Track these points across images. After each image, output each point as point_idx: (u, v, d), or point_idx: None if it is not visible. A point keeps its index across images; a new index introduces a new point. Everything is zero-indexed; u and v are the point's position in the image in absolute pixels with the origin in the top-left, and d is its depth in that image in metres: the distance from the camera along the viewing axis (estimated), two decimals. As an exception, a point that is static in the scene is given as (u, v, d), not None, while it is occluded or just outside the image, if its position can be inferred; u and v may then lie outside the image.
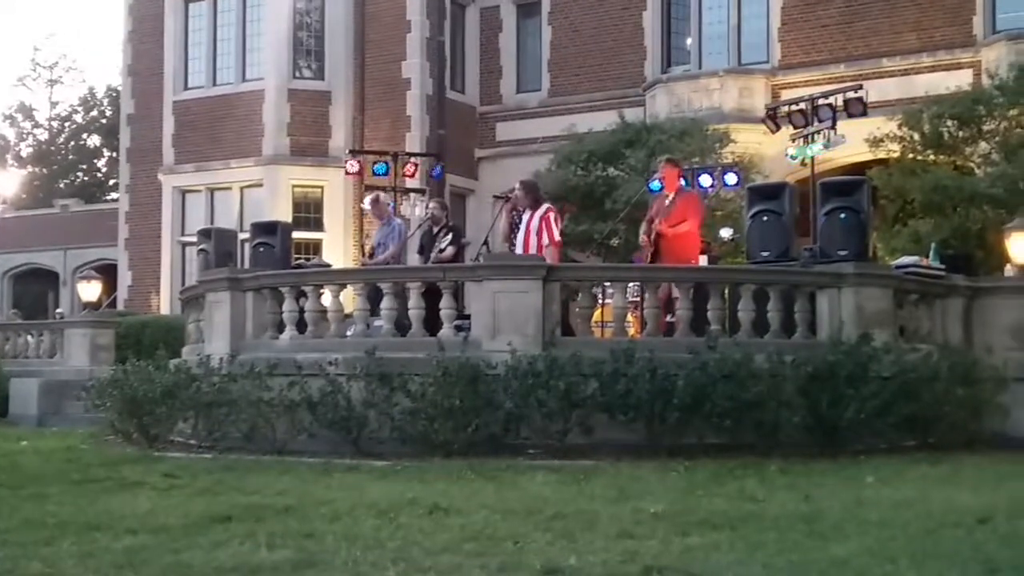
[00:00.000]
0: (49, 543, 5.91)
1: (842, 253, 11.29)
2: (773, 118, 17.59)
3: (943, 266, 13.11)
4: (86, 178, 48.30)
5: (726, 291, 11.16)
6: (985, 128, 16.86)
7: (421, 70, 23.73)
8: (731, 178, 15.86)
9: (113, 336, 19.48)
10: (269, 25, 23.91)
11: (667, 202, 12.56)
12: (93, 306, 21.51)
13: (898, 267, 12.67)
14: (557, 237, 12.43)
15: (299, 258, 17.67)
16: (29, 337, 21.12)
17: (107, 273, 29.50)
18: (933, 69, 19.73)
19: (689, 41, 23.31)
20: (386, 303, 11.36)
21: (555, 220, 12.43)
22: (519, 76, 25.32)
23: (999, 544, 5.64)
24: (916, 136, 17.08)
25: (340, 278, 13.17)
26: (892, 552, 5.36)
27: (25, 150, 49.86)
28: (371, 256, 14.32)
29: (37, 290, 35.74)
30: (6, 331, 22.00)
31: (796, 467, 8.67)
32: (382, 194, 16.05)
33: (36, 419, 17.08)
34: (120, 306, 25.91)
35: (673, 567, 5.08)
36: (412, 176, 20.27)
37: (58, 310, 31.57)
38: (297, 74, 24.12)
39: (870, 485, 7.86)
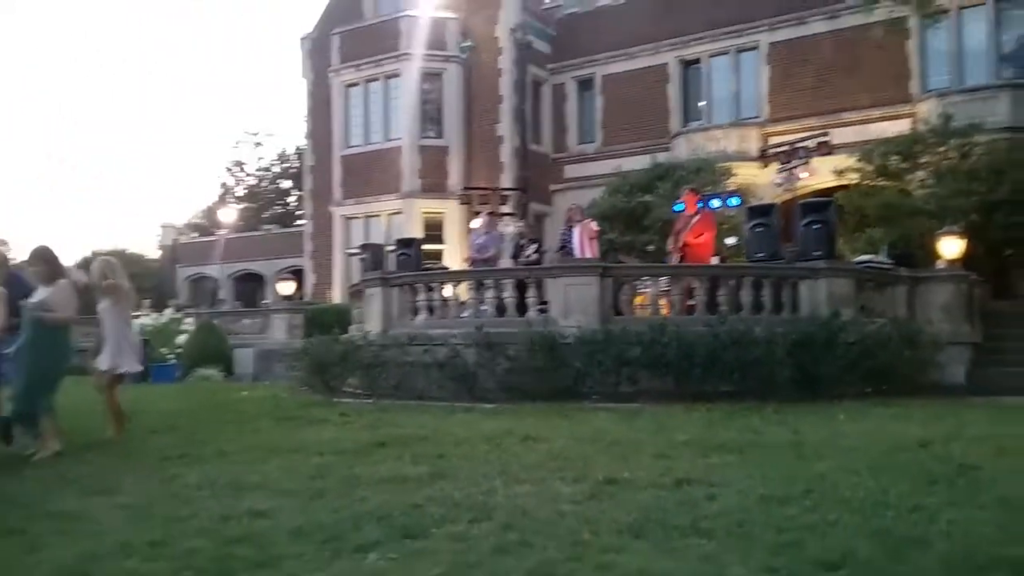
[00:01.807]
0: (263, 461, 6.05)
1: (817, 254, 11.07)
2: (764, 157, 17.39)
3: (892, 261, 12.90)
4: (281, 210, 49.10)
5: (732, 282, 11.00)
6: (920, 161, 16.57)
7: (511, 130, 23.73)
8: (734, 200, 15.63)
9: (302, 318, 19.82)
10: (404, 101, 24.08)
11: (691, 220, 12.50)
12: (288, 298, 21.89)
13: (858, 263, 12.50)
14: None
15: (427, 263, 17.79)
16: (246, 320, 21.63)
17: (297, 275, 30.08)
18: (881, 119, 19.31)
19: (702, 103, 23.08)
20: (489, 293, 11.41)
21: (597, 232, 12.79)
22: (580, 132, 25.22)
23: (936, 462, 5.51)
24: (870, 167, 16.81)
25: (456, 277, 13.26)
26: (858, 468, 5.26)
27: (240, 191, 50.94)
28: (476, 254, 14.25)
29: (251, 287, 36.48)
30: (232, 316, 22.53)
31: (786, 409, 8.52)
32: (487, 217, 16.04)
33: (252, 376, 17.51)
34: (306, 298, 26.35)
35: (698, 479, 5.04)
36: (506, 204, 20.28)
37: (265, 301, 32.21)
38: (424, 135, 24.25)
39: (841, 421, 7.70)
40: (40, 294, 6.98)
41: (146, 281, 34.68)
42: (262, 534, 3.94)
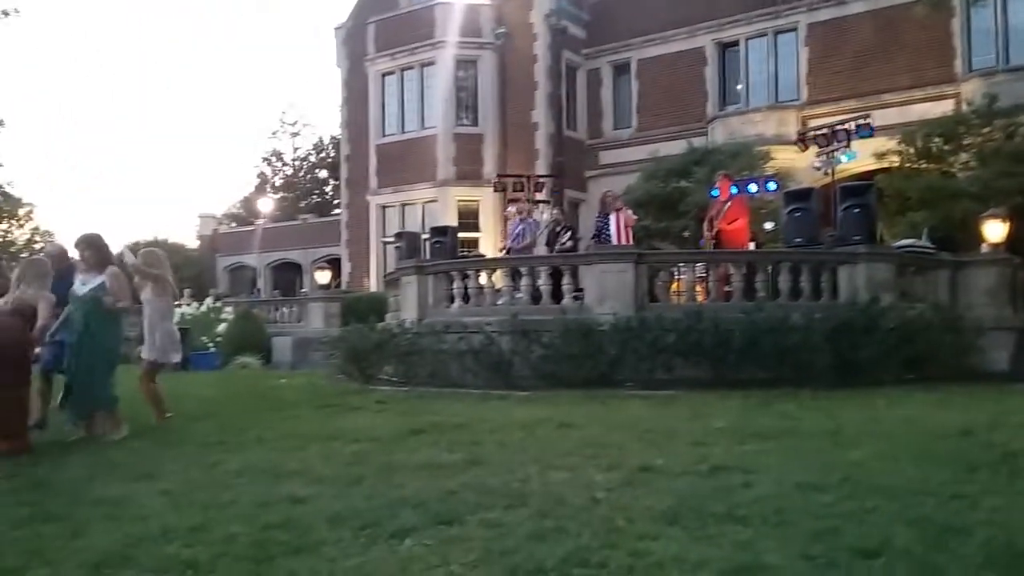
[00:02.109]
0: (301, 448, 6.12)
1: (856, 238, 10.92)
2: (803, 140, 17.13)
3: (933, 246, 12.69)
4: (318, 199, 49.48)
5: (769, 268, 10.89)
6: (964, 142, 16.28)
7: (545, 116, 23.68)
8: (772, 185, 15.43)
9: (339, 307, 19.98)
10: (439, 89, 24.13)
11: (724, 205, 12.41)
12: (325, 287, 22.07)
13: (899, 247, 12.31)
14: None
15: (463, 251, 17.83)
16: (284, 309, 21.85)
17: (334, 264, 30.31)
18: (923, 100, 19.00)
19: (739, 87, 22.84)
20: (524, 281, 11.41)
21: (634, 220, 12.72)
22: (615, 117, 25.09)
23: (978, 450, 5.41)
24: (911, 150, 16.58)
25: (491, 264, 13.25)
26: (897, 455, 5.19)
27: (277, 181, 51.39)
28: (512, 242, 14.28)
29: (288, 276, 36.84)
30: (270, 305, 22.80)
31: (824, 395, 8.41)
32: (522, 204, 16.00)
33: (290, 364, 17.70)
34: (343, 287, 26.57)
35: (733, 466, 5.00)
36: (540, 191, 20.25)
37: (302, 290, 32.53)
38: (459, 122, 24.28)
39: (880, 408, 7.59)
40: (90, 280, 7.09)
41: (186, 271, 35.20)
42: (300, 520, 4.00)
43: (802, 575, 3.08)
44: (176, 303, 10.54)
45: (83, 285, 7.09)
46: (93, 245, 7.23)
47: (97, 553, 3.53)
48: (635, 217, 12.88)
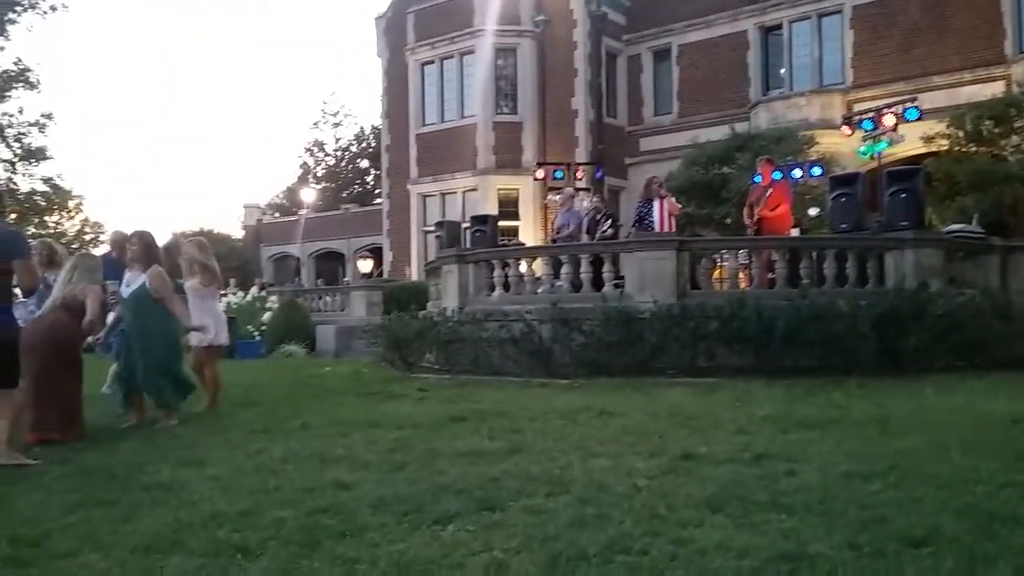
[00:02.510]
0: (345, 435, 6.19)
1: (904, 224, 10.71)
2: (848, 124, 16.86)
3: (983, 231, 12.39)
4: (360, 189, 49.84)
5: (814, 254, 10.74)
6: (1015, 125, 15.87)
7: (585, 103, 23.57)
8: (816, 170, 15.22)
9: (381, 295, 20.11)
10: (478, 78, 24.13)
11: (765, 191, 12.27)
12: (367, 276, 22.26)
13: (948, 232, 12.05)
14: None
15: (503, 240, 17.85)
16: (328, 297, 22.07)
17: (376, 253, 30.54)
18: (972, 83, 18.56)
19: (783, 71, 22.50)
20: (564, 269, 11.38)
21: (678, 210, 12.62)
22: (656, 103, 24.90)
23: (1030, 439, 5.28)
24: (961, 133, 16.21)
25: (531, 253, 13.25)
26: (946, 445, 5.09)
27: (319, 172, 51.85)
28: (557, 232, 14.29)
29: (331, 266, 37.22)
30: (314, 294, 23.05)
31: (871, 383, 8.28)
32: (570, 189, 15.95)
33: (333, 352, 17.87)
34: (385, 275, 26.76)
35: (777, 455, 4.96)
36: (580, 179, 20.17)
37: (345, 279, 32.84)
38: (498, 111, 24.26)
39: (928, 396, 7.46)
40: (134, 281, 7.24)
41: (231, 261, 35.72)
42: (345, 505, 4.05)
43: (848, 564, 3.04)
44: (222, 292, 10.73)
45: (127, 287, 7.26)
46: (143, 241, 7.40)
47: (148, 537, 3.60)
48: (679, 205, 12.72)
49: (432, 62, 25.28)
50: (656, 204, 12.47)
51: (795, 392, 7.87)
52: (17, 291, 6.45)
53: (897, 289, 10.01)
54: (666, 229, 12.09)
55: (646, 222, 12.57)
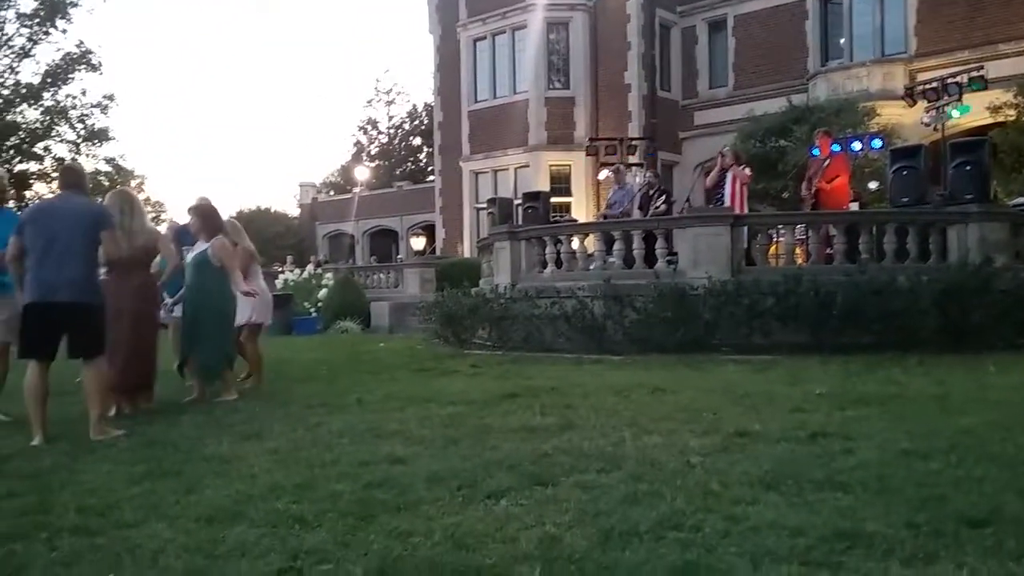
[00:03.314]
0: (400, 410, 6.27)
1: (968, 197, 10.41)
2: (911, 95, 16.40)
3: (1052, 204, 11.97)
4: (413, 167, 50.11)
5: (873, 229, 10.50)
6: (1087, 94, 15.30)
7: (638, 77, 23.30)
8: (876, 143, 14.84)
9: (434, 273, 20.29)
10: (530, 53, 24.01)
11: (823, 164, 12.00)
12: (420, 253, 22.43)
13: (1015, 205, 11.67)
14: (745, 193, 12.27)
15: (555, 216, 17.81)
16: (381, 275, 22.34)
17: (428, 230, 30.73)
18: (1042, 50, 17.93)
19: (842, 40, 21.92)
20: (617, 245, 11.32)
21: (749, 178, 12.27)
22: (711, 76, 24.51)
23: (1099, 418, 5.11)
24: (1029, 103, 15.68)
25: (584, 229, 13.20)
26: (1008, 423, 4.97)
27: (373, 150, 52.23)
28: (608, 208, 14.21)
29: (385, 243, 37.56)
30: (368, 271, 23.31)
31: (931, 360, 8.08)
32: (623, 166, 15.83)
33: (387, 328, 18.08)
34: (438, 252, 26.92)
35: (834, 433, 4.89)
36: (633, 154, 19.99)
37: (399, 256, 33.14)
38: (550, 86, 24.14)
39: (991, 374, 7.26)
40: (198, 247, 7.40)
41: (288, 239, 36.28)
42: (400, 479, 4.11)
43: (905, 543, 2.99)
44: (279, 269, 10.87)
45: (191, 252, 7.42)
46: (200, 214, 7.55)
47: (210, 508, 3.71)
48: (749, 173, 12.35)
49: (484, 38, 25.21)
50: (729, 176, 12.20)
51: (853, 369, 7.73)
52: None
53: (960, 264, 9.75)
54: (736, 201, 11.82)
55: (717, 195, 12.34)
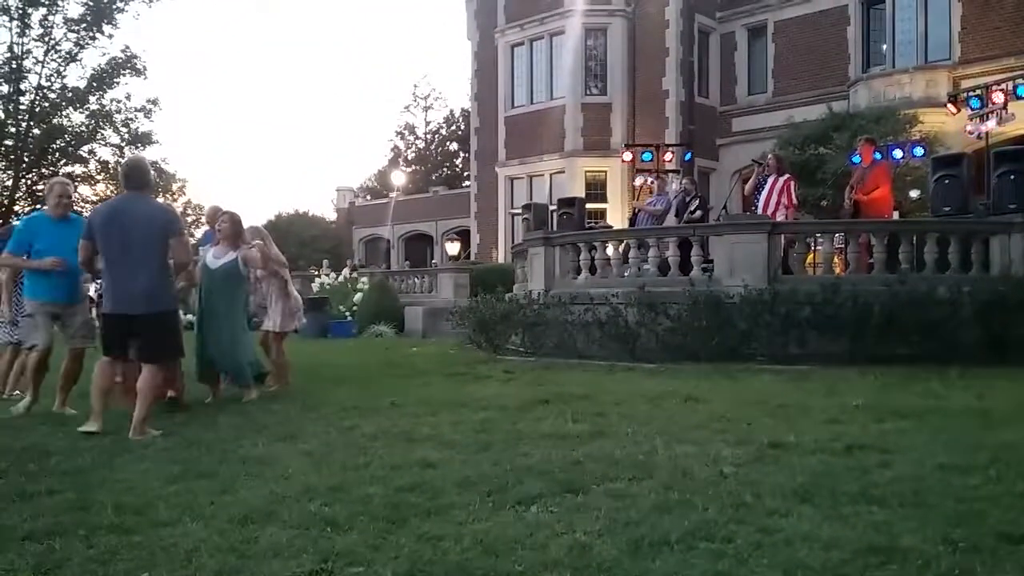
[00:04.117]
0: (433, 414, 6.30)
1: (1012, 207, 10.21)
2: (954, 102, 16.13)
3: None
4: (449, 172, 50.31)
5: (914, 238, 10.34)
6: None
7: (676, 83, 23.20)
8: (918, 151, 14.63)
9: (468, 278, 20.29)
10: (567, 59, 24.01)
11: (865, 172, 11.80)
12: (455, 258, 22.48)
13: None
14: (794, 200, 11.88)
15: (590, 222, 17.77)
16: (416, 279, 22.39)
17: (463, 236, 30.81)
18: (1093, 56, 17.53)
19: (885, 47, 21.62)
20: (651, 252, 11.27)
21: (794, 188, 11.89)
22: (750, 82, 24.32)
23: None
24: (1078, 111, 15.29)
25: (618, 236, 13.16)
26: (1051, 439, 4.86)
27: (410, 155, 52.53)
28: (636, 212, 14.12)
29: (420, 248, 37.72)
30: (402, 276, 23.41)
31: (971, 373, 7.93)
32: (662, 174, 15.73)
33: (421, 333, 18.13)
34: (472, 258, 26.98)
35: (870, 445, 4.82)
36: (669, 161, 19.88)
37: (433, 261, 33.25)
38: (587, 92, 24.11)
39: (1033, 387, 7.11)
40: (223, 255, 7.50)
41: (324, 242, 36.59)
42: (431, 483, 4.13)
43: (941, 559, 2.94)
44: (314, 272, 11.00)
45: (216, 259, 7.52)
46: (233, 220, 7.68)
47: (244, 508, 3.75)
48: (787, 177, 11.90)
49: (521, 44, 25.26)
50: (770, 181, 11.97)
51: (890, 381, 7.62)
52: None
53: (1003, 275, 9.57)
54: (771, 207, 11.61)
55: (756, 203, 12.15)
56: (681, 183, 15.09)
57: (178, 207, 41.62)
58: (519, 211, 21.94)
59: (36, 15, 26.49)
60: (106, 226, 5.76)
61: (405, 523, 3.50)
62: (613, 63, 23.90)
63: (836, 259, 11.18)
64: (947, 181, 11.16)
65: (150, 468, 4.67)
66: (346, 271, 22.82)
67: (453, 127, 51.16)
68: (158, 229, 5.80)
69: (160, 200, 7.17)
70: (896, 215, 12.63)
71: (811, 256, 11.39)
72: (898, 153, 14.22)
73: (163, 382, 6.87)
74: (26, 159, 26.21)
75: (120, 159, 35.08)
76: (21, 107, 26.78)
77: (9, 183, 25.53)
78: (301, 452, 5.00)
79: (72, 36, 33.10)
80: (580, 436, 5.28)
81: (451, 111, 51.90)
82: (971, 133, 15.39)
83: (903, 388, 7.21)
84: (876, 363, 8.62)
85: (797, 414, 5.96)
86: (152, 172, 6.55)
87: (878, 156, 12.53)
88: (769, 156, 12.59)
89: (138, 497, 4.02)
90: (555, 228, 14.43)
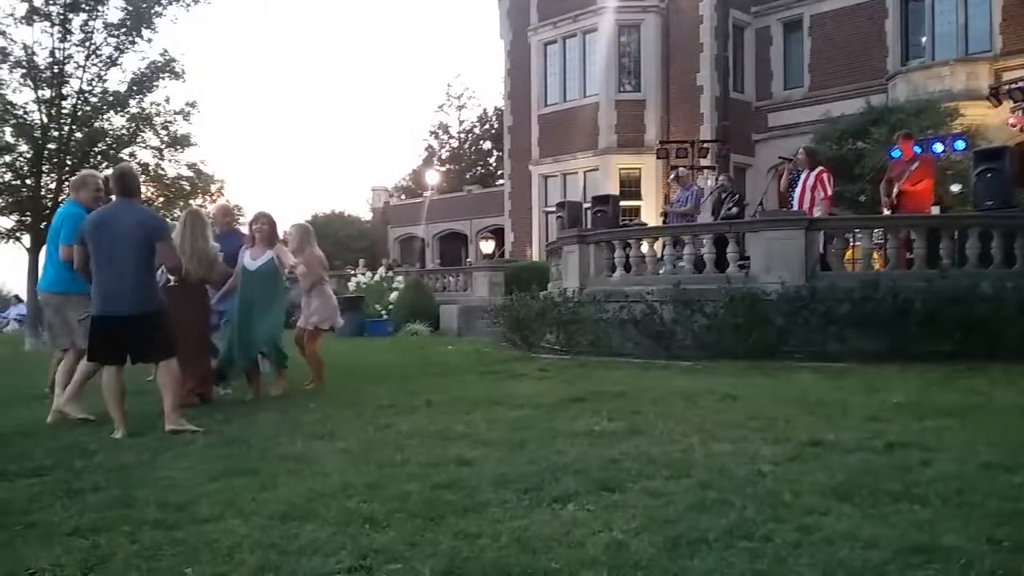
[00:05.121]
0: (468, 412, 6.32)
1: (989, 203, 10.01)
2: (996, 95, 15.81)
3: None
4: (483, 170, 50.35)
5: (955, 233, 10.16)
6: None
7: (711, 79, 23.01)
8: (959, 144, 14.34)
9: (503, 276, 20.32)
10: (601, 56, 23.94)
11: (908, 166, 11.56)
12: (489, 256, 22.51)
13: (1106, 209, 11.11)
14: (830, 192, 11.57)
15: (624, 220, 17.69)
16: (451, 278, 22.50)
17: (497, 234, 30.85)
18: None
19: (924, 39, 21.26)
20: (687, 249, 11.19)
21: (828, 180, 11.57)
22: (785, 77, 24.05)
23: None
24: (1125, 101, 14.90)
25: (654, 233, 13.06)
26: (1099, 437, 4.75)
27: (444, 154, 52.67)
28: (669, 206, 14.01)
29: (455, 246, 37.81)
30: (437, 274, 23.51)
31: (1016, 370, 7.76)
32: (682, 170, 15.63)
33: (456, 331, 18.17)
34: (506, 256, 27.00)
35: (912, 443, 4.75)
36: (705, 157, 19.73)
37: (468, 259, 33.33)
38: (621, 89, 24.02)
39: (1080, 384, 6.95)
40: (260, 256, 7.66)
41: (360, 242, 36.84)
42: (467, 481, 4.15)
43: (985, 559, 2.89)
44: (351, 272, 11.14)
45: (253, 260, 7.66)
46: (271, 222, 7.84)
47: (284, 505, 3.80)
48: (819, 170, 11.63)
49: (554, 41, 25.23)
50: (802, 177, 11.80)
51: (932, 378, 7.50)
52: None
53: (1049, 271, 9.37)
54: (806, 203, 11.43)
55: (790, 199, 11.99)
56: (718, 180, 14.95)
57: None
58: (553, 209, 21.90)
59: (77, 20, 26.96)
60: (95, 232, 5.97)
61: (442, 520, 3.52)
62: (647, 59, 23.79)
63: (876, 255, 11.03)
64: (989, 175, 10.95)
65: (192, 465, 4.74)
66: (381, 270, 22.96)
67: (487, 126, 51.19)
68: (144, 235, 5.96)
69: (146, 207, 7.35)
70: (936, 209, 12.40)
71: (850, 252, 11.24)
72: (939, 147, 13.96)
73: (200, 382, 7.10)
74: (69, 162, 26.69)
75: (160, 160, 35.61)
76: (63, 111, 27.29)
77: (53, 186, 26.08)
78: (339, 450, 5.05)
79: (112, 41, 33.63)
80: (616, 434, 5.27)
81: (484, 110, 51.96)
82: (1013, 126, 15.08)
83: (945, 385, 7.09)
84: (917, 360, 8.49)
85: (836, 412, 5.89)
86: (139, 179, 6.74)
87: (918, 150, 12.31)
88: (798, 152, 12.40)
89: (180, 494, 4.08)
90: (589, 226, 14.39)
